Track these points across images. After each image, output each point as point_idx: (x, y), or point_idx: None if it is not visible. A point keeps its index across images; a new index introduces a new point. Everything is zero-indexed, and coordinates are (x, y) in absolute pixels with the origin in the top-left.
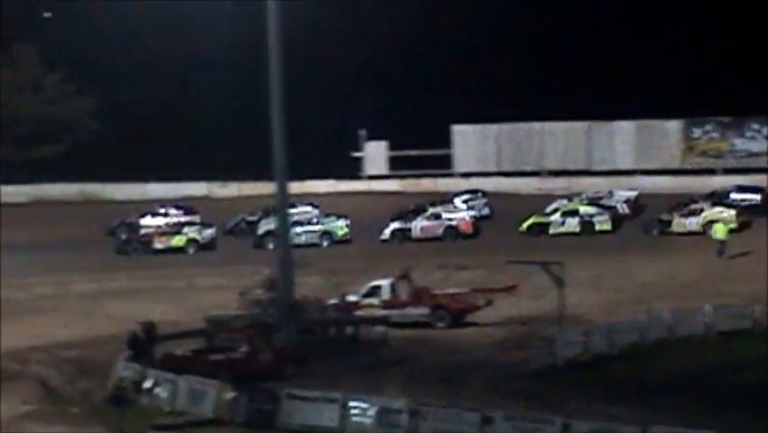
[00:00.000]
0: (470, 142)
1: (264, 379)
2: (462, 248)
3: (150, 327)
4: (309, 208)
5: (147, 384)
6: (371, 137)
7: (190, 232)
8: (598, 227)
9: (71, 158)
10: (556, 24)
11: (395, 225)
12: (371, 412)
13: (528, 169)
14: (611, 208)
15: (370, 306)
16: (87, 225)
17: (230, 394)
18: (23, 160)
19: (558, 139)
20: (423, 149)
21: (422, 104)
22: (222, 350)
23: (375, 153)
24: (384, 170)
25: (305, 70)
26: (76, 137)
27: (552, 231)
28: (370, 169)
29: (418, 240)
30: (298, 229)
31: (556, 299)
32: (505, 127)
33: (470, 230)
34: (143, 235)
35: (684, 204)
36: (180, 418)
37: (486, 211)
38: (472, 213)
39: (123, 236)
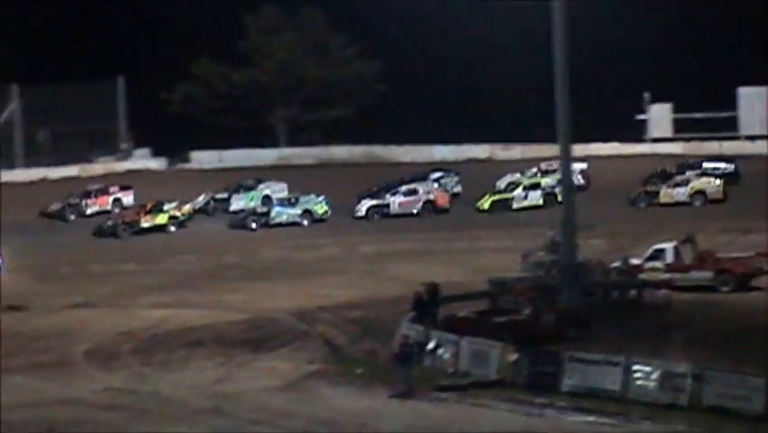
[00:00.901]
0: (756, 105)
1: (547, 341)
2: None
3: (433, 289)
4: (282, 185)
5: (430, 345)
6: (656, 99)
7: (170, 210)
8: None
9: (357, 120)
10: None
11: (370, 202)
12: (655, 376)
13: None
14: None
15: (654, 269)
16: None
17: (513, 356)
18: (310, 121)
19: None
20: (708, 111)
21: (707, 66)
22: (505, 312)
23: (659, 116)
24: (668, 133)
25: (591, 32)
26: (362, 100)
27: (515, 206)
28: (654, 131)
29: (396, 216)
30: (279, 209)
31: None
32: None
33: (446, 204)
34: (125, 214)
35: (659, 176)
36: (463, 379)
37: (458, 188)
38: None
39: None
